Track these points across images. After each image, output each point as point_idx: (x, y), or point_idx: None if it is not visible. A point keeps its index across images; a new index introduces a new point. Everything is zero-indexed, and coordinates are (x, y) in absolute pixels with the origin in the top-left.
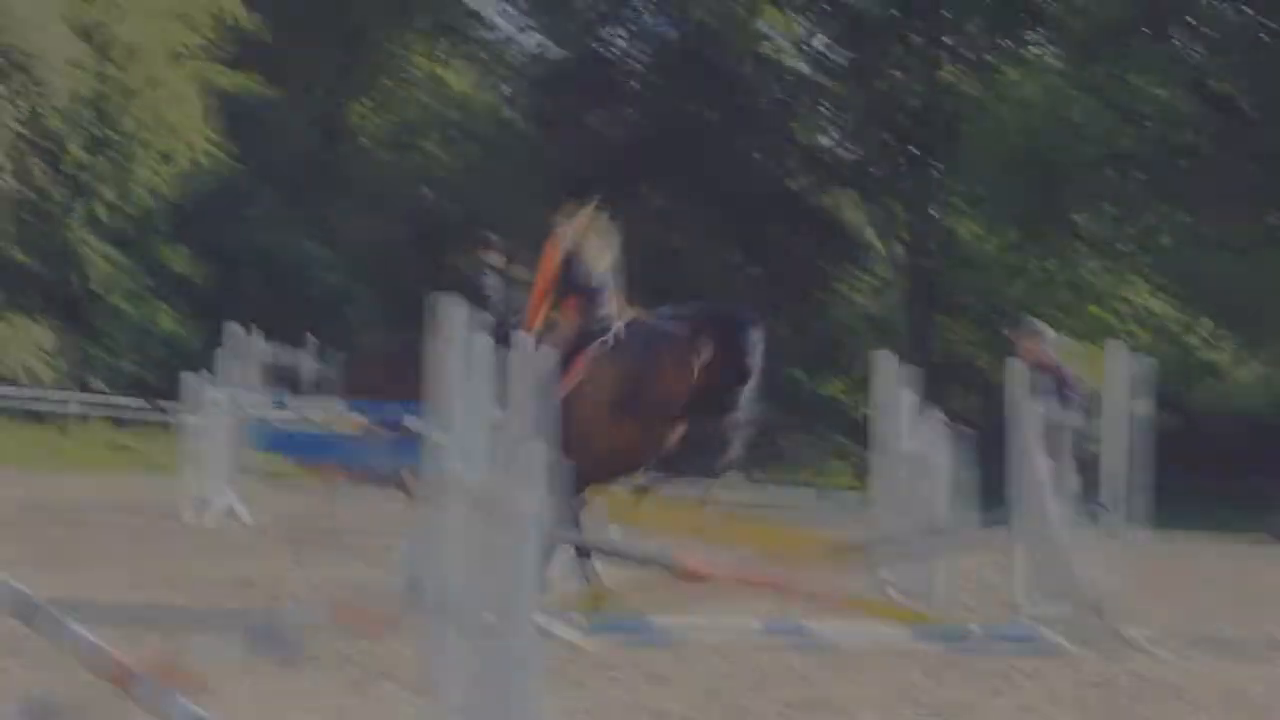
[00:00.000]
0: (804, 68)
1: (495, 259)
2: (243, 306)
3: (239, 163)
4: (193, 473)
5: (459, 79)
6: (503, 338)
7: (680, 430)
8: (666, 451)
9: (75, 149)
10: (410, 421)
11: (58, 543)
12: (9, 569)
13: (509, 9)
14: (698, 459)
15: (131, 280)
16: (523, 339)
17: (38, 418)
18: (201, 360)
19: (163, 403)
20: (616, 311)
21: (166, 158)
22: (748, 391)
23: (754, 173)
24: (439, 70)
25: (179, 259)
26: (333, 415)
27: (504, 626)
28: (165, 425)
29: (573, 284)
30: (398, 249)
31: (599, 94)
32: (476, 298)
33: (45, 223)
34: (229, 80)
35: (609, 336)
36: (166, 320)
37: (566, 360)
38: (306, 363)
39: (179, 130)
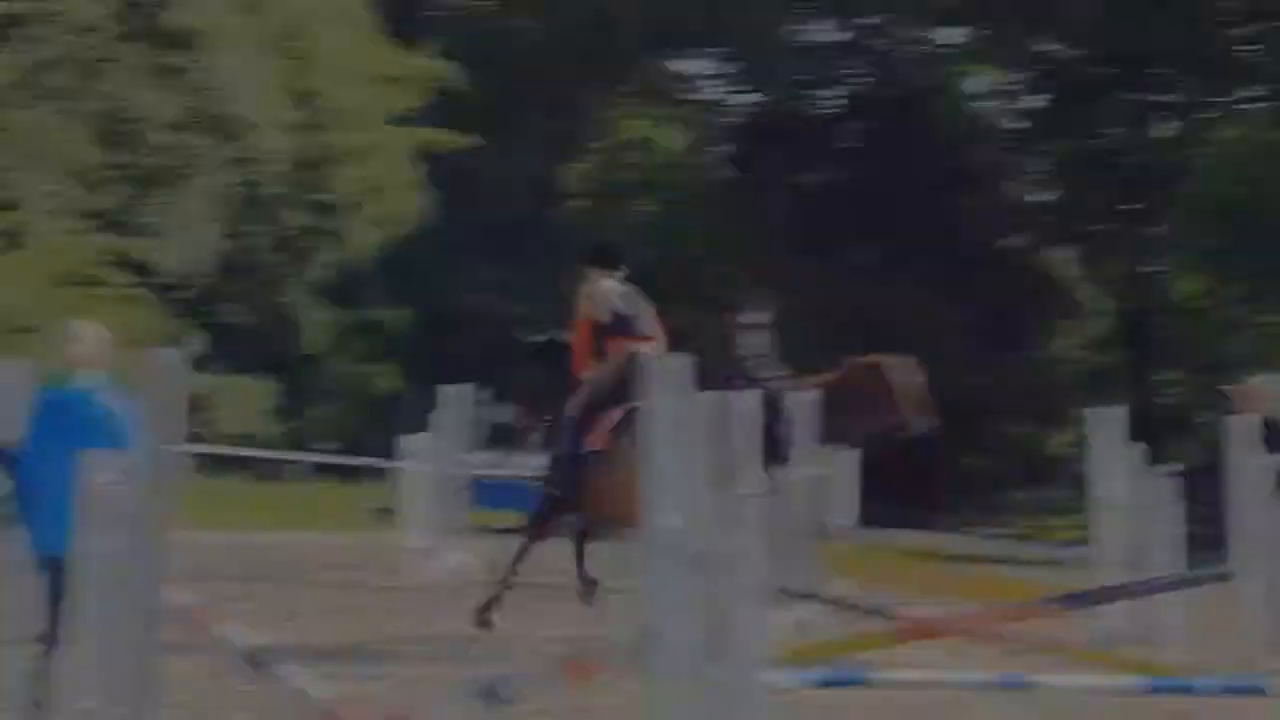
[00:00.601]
0: (1013, 124)
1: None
2: (457, 364)
3: (451, 222)
4: (408, 528)
5: (667, 137)
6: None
7: None
8: None
9: (290, 211)
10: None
11: (276, 599)
12: (233, 625)
13: (716, 68)
14: None
15: (345, 339)
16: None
17: (255, 474)
18: (416, 417)
19: (376, 459)
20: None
21: (379, 218)
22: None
23: (962, 228)
24: (648, 128)
25: (392, 317)
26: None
27: (722, 677)
28: (379, 481)
29: (606, 323)
30: None
31: (807, 152)
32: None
33: (259, 282)
34: (440, 141)
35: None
36: (380, 378)
37: (600, 403)
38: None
39: (391, 191)
